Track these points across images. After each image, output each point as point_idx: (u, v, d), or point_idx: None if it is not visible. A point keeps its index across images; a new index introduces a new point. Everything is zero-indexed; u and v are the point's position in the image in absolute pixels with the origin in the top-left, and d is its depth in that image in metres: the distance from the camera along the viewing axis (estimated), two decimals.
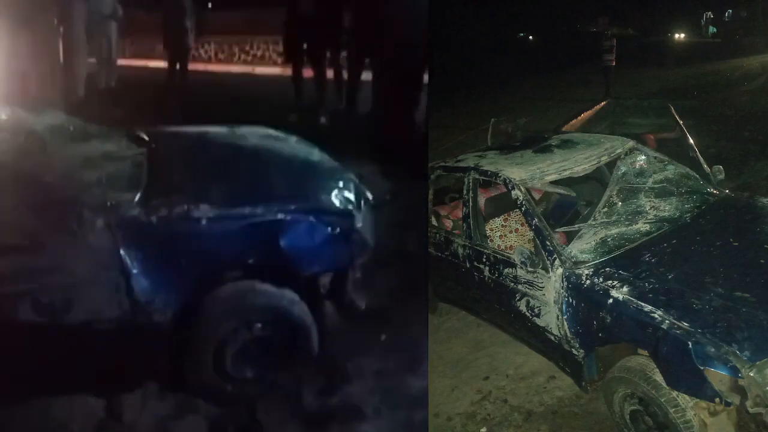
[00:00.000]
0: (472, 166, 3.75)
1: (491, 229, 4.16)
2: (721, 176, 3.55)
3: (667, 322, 2.37)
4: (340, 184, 2.96)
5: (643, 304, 2.51)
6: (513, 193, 3.32)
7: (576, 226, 3.37)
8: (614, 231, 3.11)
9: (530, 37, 31.79)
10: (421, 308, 3.17)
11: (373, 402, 2.61)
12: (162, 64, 7.25)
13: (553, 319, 2.95)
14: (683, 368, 2.27)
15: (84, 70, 6.26)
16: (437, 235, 3.97)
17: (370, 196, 2.99)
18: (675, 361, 2.31)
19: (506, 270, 3.27)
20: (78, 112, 3.61)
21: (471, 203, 3.64)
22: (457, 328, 4.25)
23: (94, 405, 2.47)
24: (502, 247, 4.04)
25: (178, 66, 7.02)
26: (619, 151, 3.56)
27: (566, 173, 3.41)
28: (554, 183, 3.48)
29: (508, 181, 3.38)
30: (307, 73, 6.30)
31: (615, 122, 4.83)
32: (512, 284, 3.22)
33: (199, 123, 3.39)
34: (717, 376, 2.19)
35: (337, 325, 2.86)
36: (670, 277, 2.68)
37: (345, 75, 6.14)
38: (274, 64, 9.09)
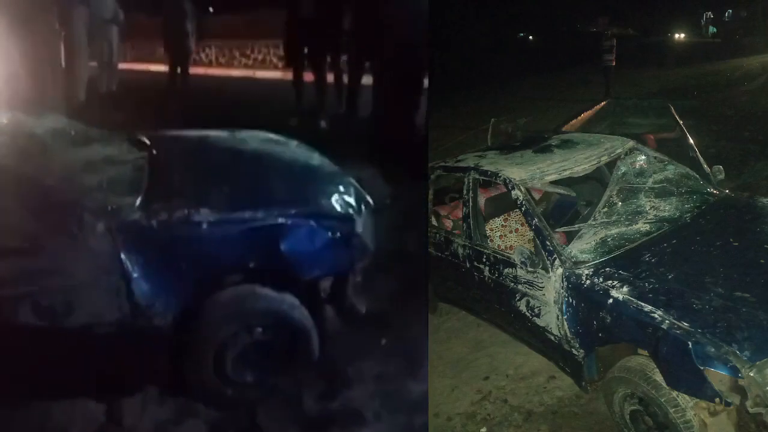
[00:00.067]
0: (472, 166, 3.75)
1: (491, 229, 4.16)
2: (721, 176, 3.55)
3: (667, 322, 2.37)
4: (341, 188, 2.97)
5: (643, 304, 2.51)
6: (513, 193, 3.32)
7: (576, 226, 3.37)
8: (614, 231, 3.11)
9: (530, 37, 31.82)
10: (421, 309, 3.17)
11: (374, 406, 2.61)
12: (163, 67, 7.24)
13: (553, 319, 2.95)
14: (683, 368, 2.27)
15: (85, 73, 6.25)
16: (437, 235, 3.97)
17: (370, 200, 2.99)
18: (675, 361, 2.31)
19: (506, 270, 3.27)
20: (79, 115, 3.60)
21: (471, 203, 3.64)
22: (457, 328, 4.25)
23: (95, 409, 2.47)
24: (502, 247, 4.04)
25: (179, 70, 7.02)
26: (619, 151, 3.56)
27: (566, 173, 3.41)
28: (554, 183, 3.48)
29: (508, 181, 3.38)
30: (308, 76, 6.30)
31: (615, 122, 4.83)
32: (512, 284, 3.22)
33: (200, 127, 3.39)
34: (717, 376, 2.19)
35: (338, 329, 2.86)
36: (670, 277, 2.68)
37: (345, 78, 6.13)
38: (275, 67, 9.08)
